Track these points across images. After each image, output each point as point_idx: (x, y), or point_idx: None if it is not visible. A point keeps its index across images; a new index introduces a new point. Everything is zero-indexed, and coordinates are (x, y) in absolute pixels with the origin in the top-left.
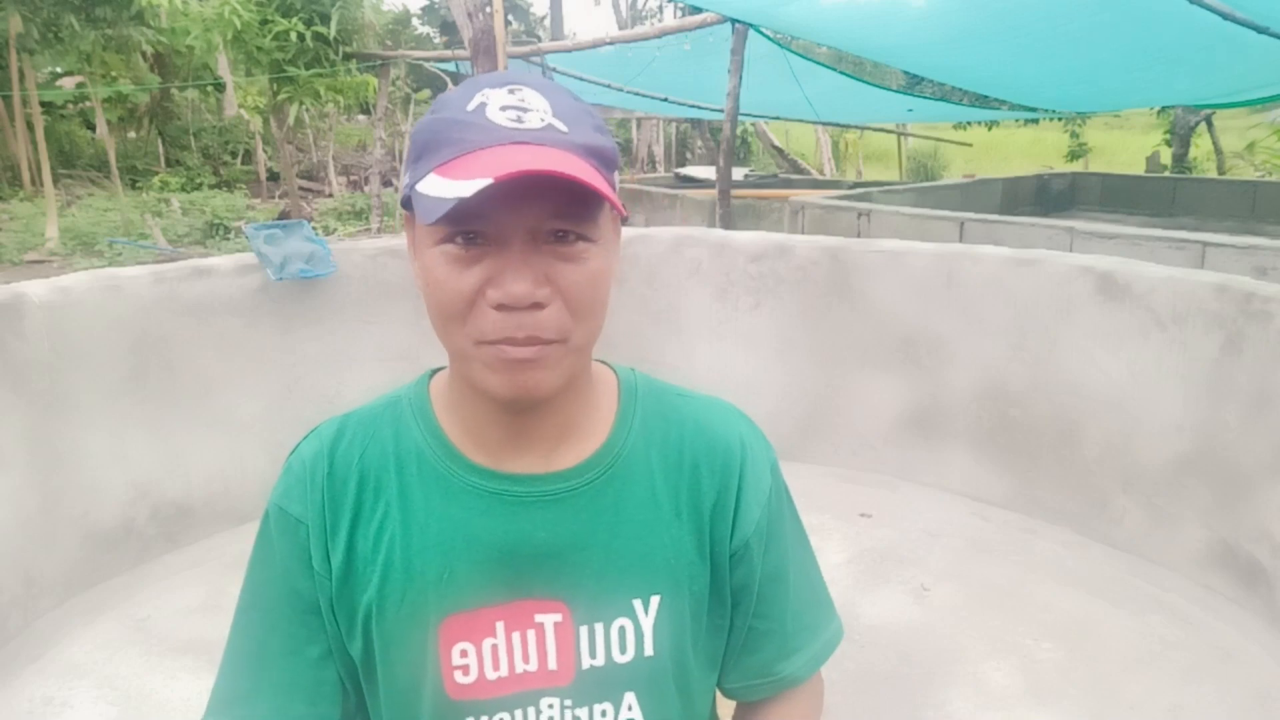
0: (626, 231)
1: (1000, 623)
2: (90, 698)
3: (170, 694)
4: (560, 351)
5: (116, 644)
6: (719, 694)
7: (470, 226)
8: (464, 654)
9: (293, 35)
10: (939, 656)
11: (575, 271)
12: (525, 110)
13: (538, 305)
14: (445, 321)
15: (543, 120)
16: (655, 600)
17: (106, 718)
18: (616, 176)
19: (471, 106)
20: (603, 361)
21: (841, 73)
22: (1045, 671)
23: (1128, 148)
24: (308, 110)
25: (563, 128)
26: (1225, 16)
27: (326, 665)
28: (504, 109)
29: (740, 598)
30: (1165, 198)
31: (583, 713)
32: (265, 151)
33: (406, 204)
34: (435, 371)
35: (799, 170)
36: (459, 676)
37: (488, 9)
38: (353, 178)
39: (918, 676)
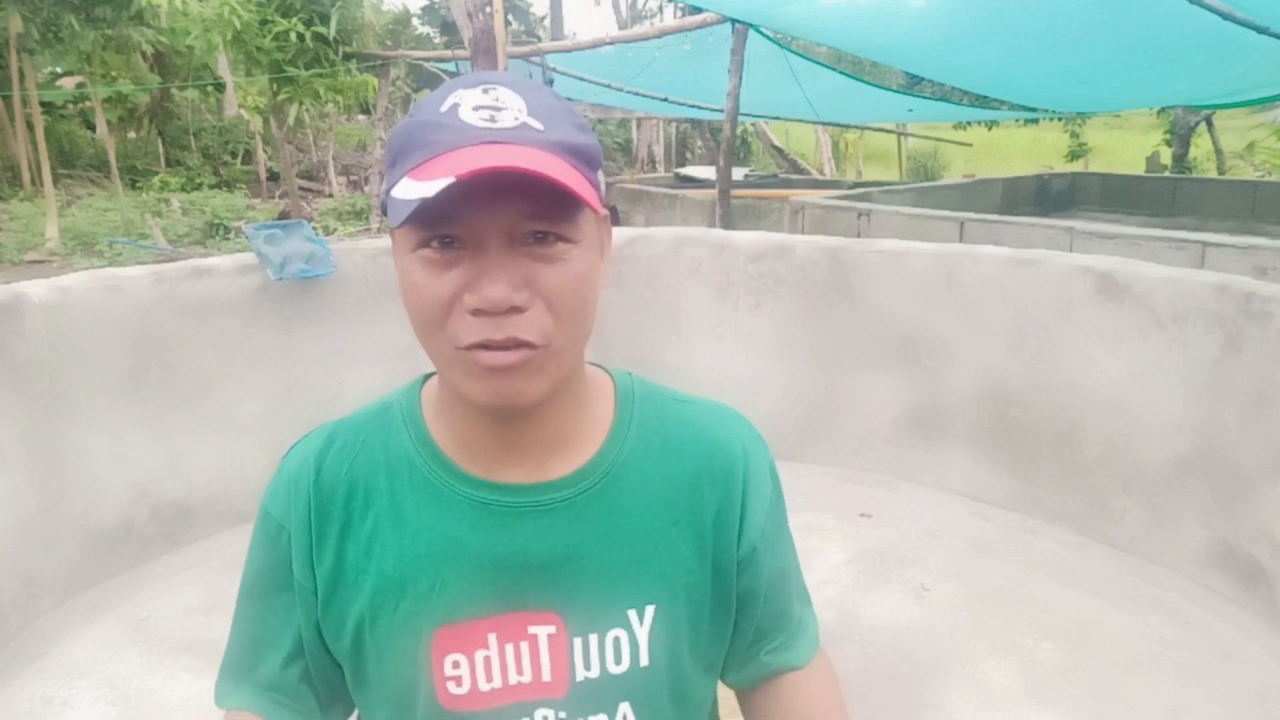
0: (627, 232)
1: (1000, 623)
2: (90, 698)
3: (170, 694)
4: (543, 356)
5: (116, 644)
6: (721, 690)
7: (443, 230)
8: (456, 665)
9: (292, 35)
10: (939, 656)
11: (556, 273)
12: (499, 109)
13: (517, 309)
14: (424, 327)
15: (517, 119)
16: (650, 610)
17: (106, 718)
18: (600, 175)
19: (445, 108)
20: (599, 365)
21: (841, 73)
22: (1045, 671)
23: (1128, 148)
24: (308, 110)
25: (538, 126)
26: (1225, 16)
27: (292, 664)
28: (477, 109)
29: (748, 601)
30: (1165, 198)
31: None
32: (265, 151)
33: (385, 210)
34: (428, 377)
35: (799, 170)
36: (452, 687)
37: (488, 9)
38: (353, 178)
39: (918, 676)
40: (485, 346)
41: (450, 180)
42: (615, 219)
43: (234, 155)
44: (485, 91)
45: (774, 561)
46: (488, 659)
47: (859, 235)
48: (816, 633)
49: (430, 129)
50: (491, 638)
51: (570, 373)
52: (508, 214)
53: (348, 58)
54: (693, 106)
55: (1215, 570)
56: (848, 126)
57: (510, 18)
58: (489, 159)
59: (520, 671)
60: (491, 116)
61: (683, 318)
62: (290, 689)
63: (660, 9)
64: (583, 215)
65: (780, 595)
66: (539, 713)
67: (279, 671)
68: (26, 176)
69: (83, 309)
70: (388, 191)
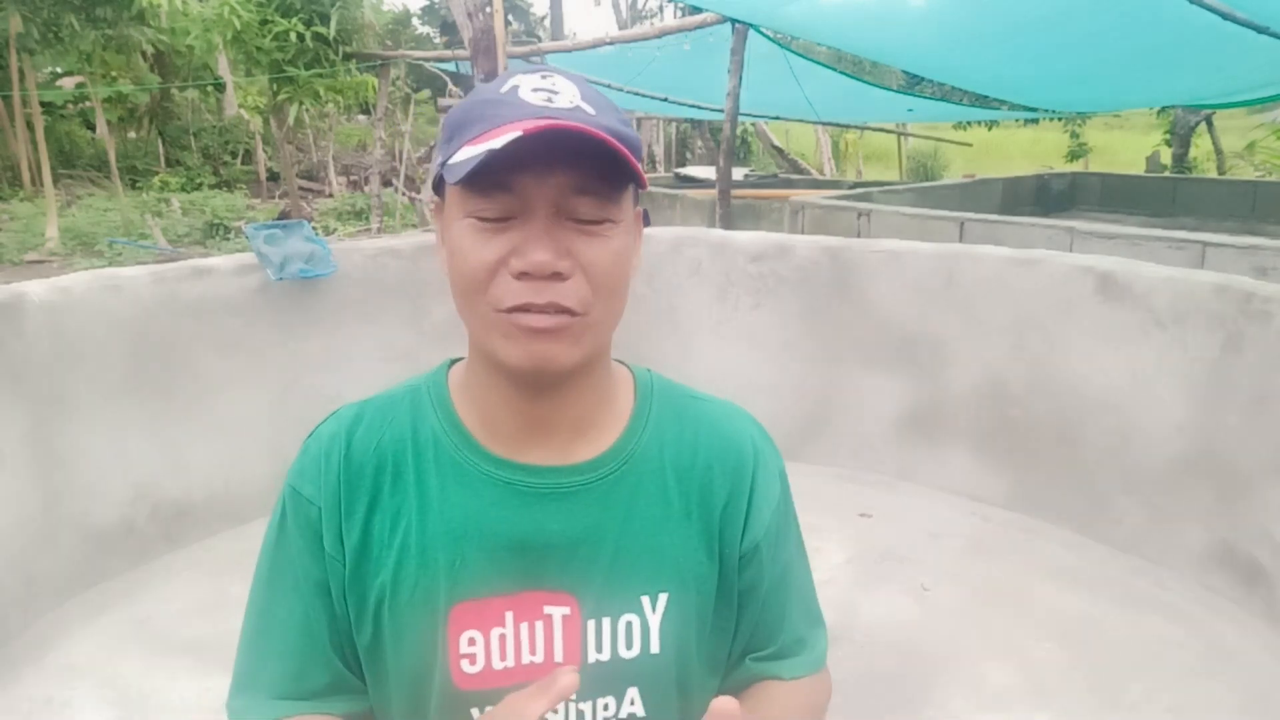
0: None
1: (1000, 623)
2: (90, 698)
3: (170, 694)
4: (580, 325)
5: (116, 644)
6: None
7: (496, 196)
8: (472, 642)
9: (292, 35)
10: (939, 656)
11: (598, 247)
12: (556, 93)
13: (559, 276)
14: (467, 291)
15: (571, 102)
16: (663, 598)
17: (106, 718)
18: (641, 167)
19: (505, 89)
20: (621, 361)
21: (841, 73)
22: (1045, 671)
23: (1128, 148)
24: (308, 110)
25: (590, 110)
26: (1225, 16)
27: (337, 651)
28: (535, 90)
29: (747, 600)
30: (1165, 198)
31: (586, 707)
32: (265, 151)
33: (438, 186)
34: (455, 361)
35: (799, 170)
36: (466, 665)
37: (488, 9)
38: (353, 178)
39: (918, 676)
40: (526, 309)
41: (518, 134)
42: (647, 221)
43: (234, 155)
44: (544, 78)
45: (776, 563)
46: (503, 637)
47: (859, 235)
48: (820, 656)
49: (490, 105)
50: (508, 616)
51: (600, 350)
52: (558, 184)
53: (348, 58)
54: (693, 106)
55: (1215, 570)
56: (848, 126)
57: (510, 18)
58: (549, 124)
59: (534, 651)
60: (549, 98)
61: (683, 317)
62: (341, 677)
63: (660, 9)
64: (625, 198)
65: (780, 601)
66: None
67: (329, 660)
68: (26, 176)
69: (83, 309)
70: (443, 164)
